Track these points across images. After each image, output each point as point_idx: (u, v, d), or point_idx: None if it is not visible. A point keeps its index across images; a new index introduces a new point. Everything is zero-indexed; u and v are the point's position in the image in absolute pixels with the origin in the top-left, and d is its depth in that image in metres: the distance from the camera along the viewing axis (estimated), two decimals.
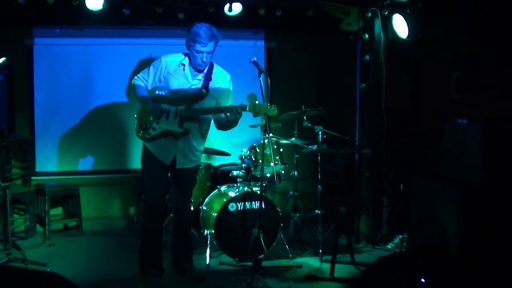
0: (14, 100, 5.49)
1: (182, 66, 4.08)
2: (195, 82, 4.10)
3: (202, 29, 3.91)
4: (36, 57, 5.86)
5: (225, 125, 4.15)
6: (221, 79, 4.16)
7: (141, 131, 4.14)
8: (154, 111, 4.03)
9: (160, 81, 4.12)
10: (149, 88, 4.18)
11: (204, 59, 3.99)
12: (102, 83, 6.01)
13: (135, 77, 4.20)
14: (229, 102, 4.19)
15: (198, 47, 3.94)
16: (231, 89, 4.24)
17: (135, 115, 4.23)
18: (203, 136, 4.29)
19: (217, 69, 4.17)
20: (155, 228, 4.25)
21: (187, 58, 4.10)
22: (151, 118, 4.09)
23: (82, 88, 6.00)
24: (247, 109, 3.97)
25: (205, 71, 4.11)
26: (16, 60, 5.54)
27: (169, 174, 4.31)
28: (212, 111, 4.12)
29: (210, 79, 4.11)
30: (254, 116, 4.04)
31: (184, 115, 4.04)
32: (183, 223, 4.46)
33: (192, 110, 4.06)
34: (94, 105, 6.03)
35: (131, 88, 4.29)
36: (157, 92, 4.19)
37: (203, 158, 5.86)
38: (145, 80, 4.15)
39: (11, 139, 5.30)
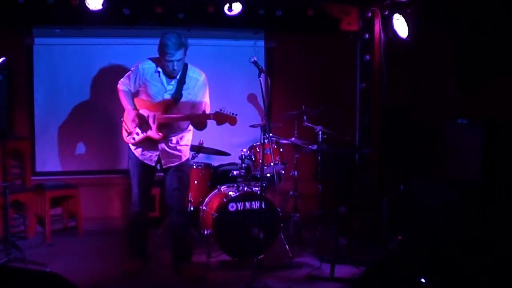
0: (14, 100, 5.49)
1: (158, 73, 4.26)
2: (170, 87, 4.27)
3: (170, 40, 4.07)
4: (36, 57, 5.85)
5: (198, 127, 4.30)
6: (194, 81, 4.32)
7: (127, 135, 4.37)
8: (136, 118, 4.25)
9: (139, 86, 4.33)
10: (133, 91, 4.40)
11: (175, 67, 4.16)
12: (102, 83, 6.01)
13: (119, 81, 4.40)
14: (205, 100, 4.38)
15: (168, 57, 4.10)
16: (206, 88, 4.39)
17: (122, 119, 4.42)
18: (183, 131, 4.43)
19: (191, 71, 4.32)
20: (138, 223, 4.52)
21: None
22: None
23: (82, 88, 6.00)
24: (211, 118, 4.15)
25: (178, 76, 4.26)
26: (16, 60, 5.54)
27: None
28: (182, 119, 4.26)
29: (184, 83, 4.28)
30: (218, 124, 4.19)
31: (160, 121, 4.24)
32: (180, 223, 4.48)
33: (166, 118, 4.24)
34: (94, 105, 6.03)
35: (116, 92, 4.43)
36: (139, 96, 4.39)
37: (203, 158, 5.88)
38: (128, 85, 4.36)
39: (11, 139, 5.30)
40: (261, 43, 6.36)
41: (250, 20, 5.60)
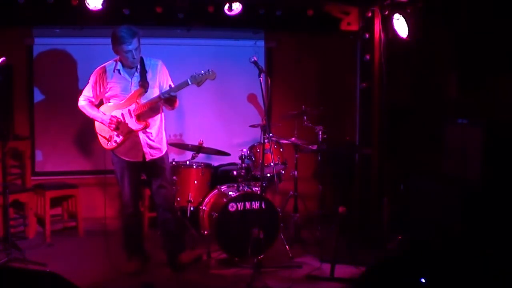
0: (14, 100, 5.48)
1: (117, 71, 4.34)
2: (135, 79, 4.35)
3: (122, 31, 4.18)
4: (36, 57, 5.86)
5: (171, 105, 4.41)
6: (153, 67, 4.42)
7: (108, 143, 4.42)
8: (111, 123, 4.32)
9: (103, 92, 4.41)
10: (96, 102, 4.49)
11: (135, 56, 4.23)
12: None
13: (80, 99, 4.47)
14: (168, 83, 4.44)
15: (125, 47, 4.17)
16: (166, 72, 4.48)
17: (96, 131, 4.49)
18: (158, 123, 4.48)
19: (147, 60, 4.42)
20: (132, 223, 4.57)
21: (119, 63, 4.34)
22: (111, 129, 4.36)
23: (82, 88, 5.99)
24: (190, 83, 4.20)
25: (138, 68, 4.34)
26: (16, 60, 5.54)
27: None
28: (156, 100, 4.30)
29: (146, 71, 4.36)
30: (198, 86, 4.23)
31: (137, 112, 4.28)
32: (168, 219, 4.53)
33: (142, 105, 4.29)
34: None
35: (80, 110, 4.48)
36: (105, 102, 4.46)
37: (203, 158, 5.88)
38: (90, 97, 4.45)
39: (11, 139, 5.30)
40: (261, 43, 6.36)
41: (250, 20, 5.60)
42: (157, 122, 4.46)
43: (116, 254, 4.69)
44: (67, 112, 5.97)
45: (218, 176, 5.87)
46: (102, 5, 5.00)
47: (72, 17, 5.31)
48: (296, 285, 4.26)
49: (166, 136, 4.60)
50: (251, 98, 6.37)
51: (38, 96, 5.90)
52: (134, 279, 4.27)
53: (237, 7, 5.32)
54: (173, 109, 4.53)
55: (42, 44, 5.86)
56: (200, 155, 5.55)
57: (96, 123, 4.47)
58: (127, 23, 5.38)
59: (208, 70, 4.21)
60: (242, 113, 6.31)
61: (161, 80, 4.43)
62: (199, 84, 4.22)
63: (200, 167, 5.37)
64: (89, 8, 5.00)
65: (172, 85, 4.41)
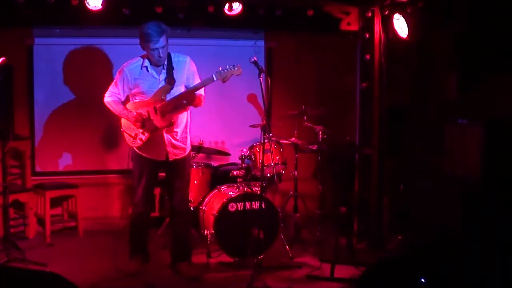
0: (14, 100, 5.48)
1: (145, 68, 4.26)
2: (162, 76, 4.27)
3: (150, 28, 4.07)
4: (36, 57, 5.86)
5: (193, 103, 4.33)
6: (182, 64, 4.33)
7: (133, 141, 4.33)
8: (137, 121, 4.25)
9: (130, 89, 4.31)
10: (123, 99, 4.39)
11: (161, 54, 4.14)
12: (102, 83, 5.99)
13: (105, 95, 4.39)
14: (196, 80, 4.36)
15: (151, 45, 4.09)
16: (194, 68, 4.40)
17: (121, 129, 4.40)
18: (184, 122, 4.43)
19: (175, 56, 4.34)
20: (139, 222, 4.52)
21: (146, 60, 4.26)
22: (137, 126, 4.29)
23: (82, 88, 6.00)
24: (215, 79, 4.13)
25: (165, 63, 4.26)
26: (16, 60, 5.53)
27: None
28: (183, 96, 4.25)
29: (173, 68, 4.28)
30: (224, 82, 4.16)
31: (163, 109, 4.21)
32: (181, 223, 4.50)
33: (167, 103, 4.22)
34: (94, 105, 6.01)
35: (106, 106, 4.40)
36: (131, 100, 4.38)
37: (203, 158, 5.88)
38: (116, 94, 4.35)
39: (11, 139, 5.29)
40: (261, 43, 6.36)
41: (250, 20, 5.60)
42: (183, 121, 4.40)
43: (117, 254, 4.70)
44: (67, 112, 5.99)
45: (218, 176, 5.87)
46: (102, 5, 5.00)
47: (72, 17, 5.30)
48: (296, 285, 4.26)
49: None
50: (251, 98, 6.37)
51: (38, 96, 5.90)
52: (135, 279, 4.27)
53: (237, 7, 5.32)
54: (197, 107, 4.44)
55: (42, 44, 5.86)
56: (200, 155, 5.56)
57: (122, 120, 4.39)
58: (127, 23, 5.40)
59: (233, 65, 4.15)
60: (242, 113, 6.31)
61: (188, 77, 4.35)
62: (224, 80, 4.14)
63: (200, 167, 5.38)
64: (89, 8, 5.00)
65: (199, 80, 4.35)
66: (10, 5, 5.01)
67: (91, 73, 6.01)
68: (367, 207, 5.30)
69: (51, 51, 5.90)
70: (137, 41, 5.95)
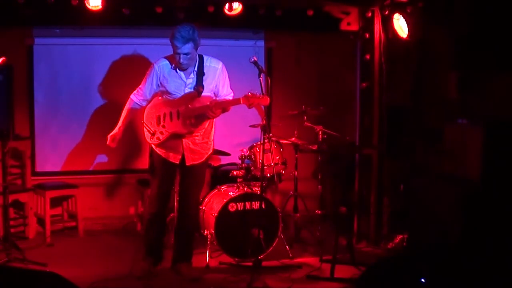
0: (14, 100, 5.47)
1: (175, 69, 4.20)
2: (190, 81, 4.20)
3: (179, 32, 4.01)
4: (36, 57, 5.85)
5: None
6: (212, 70, 4.25)
7: (151, 136, 4.30)
8: (112, 137, 4.29)
9: (158, 86, 4.26)
10: (148, 97, 4.34)
11: (182, 60, 4.08)
12: (102, 83, 6.01)
13: (134, 92, 4.36)
14: (225, 90, 4.31)
15: (175, 49, 4.05)
16: (226, 75, 4.32)
17: (143, 121, 4.35)
18: (207, 129, 4.37)
19: (207, 61, 4.24)
20: (154, 224, 4.44)
21: None
22: (157, 123, 4.24)
23: (82, 88, 5.99)
24: (241, 102, 4.07)
25: (196, 68, 4.19)
26: (16, 60, 5.53)
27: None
28: (207, 108, 4.16)
29: (203, 74, 4.20)
30: (249, 107, 4.12)
31: (186, 115, 4.15)
32: (183, 224, 4.48)
33: (191, 110, 4.16)
34: (94, 105, 6.02)
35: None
36: (159, 97, 4.33)
37: None
38: (141, 93, 4.31)
39: (11, 139, 5.29)
40: (261, 43, 6.35)
41: (250, 20, 5.60)
42: (204, 126, 4.32)
43: (115, 254, 4.70)
44: (67, 112, 5.98)
45: (218, 176, 5.87)
46: (102, 5, 5.00)
47: (72, 17, 5.30)
48: (296, 285, 4.26)
49: None
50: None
51: (38, 96, 5.89)
52: (135, 279, 4.27)
53: (237, 7, 5.32)
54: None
55: (42, 44, 5.85)
56: None
57: (145, 113, 4.35)
58: (127, 23, 5.40)
59: (262, 93, 4.08)
60: (242, 113, 6.30)
61: (218, 84, 4.28)
62: (250, 106, 4.10)
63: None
64: (89, 8, 5.00)
65: (230, 90, 4.31)
66: (10, 5, 5.01)
67: (90, 72, 6.00)
68: (367, 207, 5.30)
69: (51, 51, 5.89)
70: (137, 41, 6.03)
